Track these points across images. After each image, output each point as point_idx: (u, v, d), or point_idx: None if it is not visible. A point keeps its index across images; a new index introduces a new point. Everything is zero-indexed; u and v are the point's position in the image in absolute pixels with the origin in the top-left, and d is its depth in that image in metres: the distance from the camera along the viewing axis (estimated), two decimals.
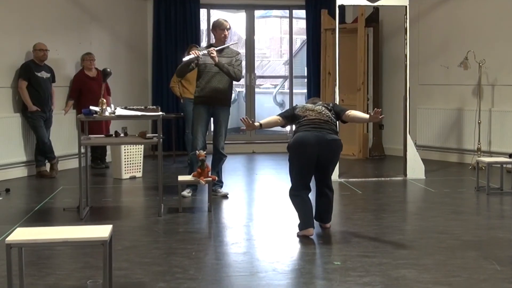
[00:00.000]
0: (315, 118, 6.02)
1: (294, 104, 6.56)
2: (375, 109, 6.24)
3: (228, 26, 7.80)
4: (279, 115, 6.38)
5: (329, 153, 5.95)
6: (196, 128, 7.76)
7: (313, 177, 6.12)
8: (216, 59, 7.53)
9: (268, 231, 6.26)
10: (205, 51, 7.63)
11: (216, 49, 7.62)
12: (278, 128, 13.83)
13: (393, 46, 11.65)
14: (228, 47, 7.87)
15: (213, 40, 8.00)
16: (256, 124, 6.26)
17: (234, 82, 8.00)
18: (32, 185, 8.92)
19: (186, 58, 7.53)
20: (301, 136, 5.94)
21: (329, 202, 6.21)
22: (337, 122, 6.25)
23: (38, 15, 9.66)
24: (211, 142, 7.99)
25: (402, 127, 9.44)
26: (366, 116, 6.38)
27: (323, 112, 6.09)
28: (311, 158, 5.89)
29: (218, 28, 7.77)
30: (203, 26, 12.63)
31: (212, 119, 7.95)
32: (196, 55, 7.48)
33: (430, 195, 8.14)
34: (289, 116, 6.29)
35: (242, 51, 12.24)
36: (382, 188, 8.63)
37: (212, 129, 8.15)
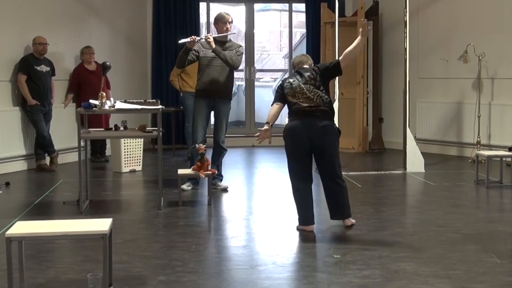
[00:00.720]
0: (306, 106, 5.84)
1: (281, 81, 6.18)
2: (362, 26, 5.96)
3: (230, 20, 7.80)
4: (276, 102, 6.08)
5: (321, 138, 5.81)
6: (196, 122, 7.76)
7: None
8: (213, 44, 7.53)
9: (268, 225, 6.27)
10: (203, 36, 7.67)
11: (214, 36, 7.65)
12: (278, 122, 13.87)
13: (392, 39, 11.65)
14: (230, 40, 7.88)
15: (215, 34, 7.96)
16: (266, 127, 5.95)
17: (235, 75, 7.99)
18: (32, 178, 8.93)
19: (182, 41, 7.54)
20: (292, 125, 5.87)
21: (337, 196, 5.99)
22: (330, 99, 5.98)
23: (37, 8, 9.64)
24: (212, 135, 7.99)
25: (402, 121, 9.44)
26: (356, 42, 5.91)
27: (313, 94, 5.86)
28: (303, 145, 5.81)
29: (220, 22, 7.78)
30: (203, 19, 12.62)
31: (212, 112, 7.94)
32: (192, 39, 7.48)
33: (429, 189, 8.14)
34: (282, 97, 6.03)
35: (242, 44, 12.23)
36: (382, 181, 8.64)
37: (212, 122, 8.12)
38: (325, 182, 6.02)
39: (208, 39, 7.55)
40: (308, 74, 5.99)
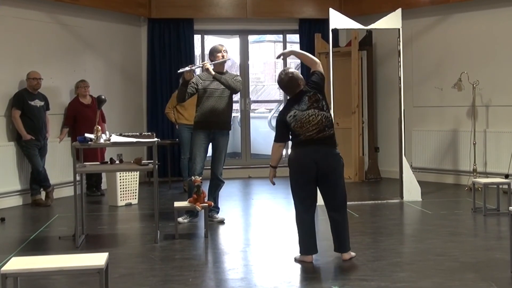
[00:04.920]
0: (314, 134, 5.75)
1: (279, 116, 5.96)
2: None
3: (224, 48, 7.83)
4: (278, 141, 5.95)
5: (327, 161, 5.76)
6: (195, 154, 7.74)
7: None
8: (212, 71, 7.57)
9: (266, 256, 6.23)
10: (200, 64, 7.68)
11: (211, 63, 7.66)
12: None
13: (387, 69, 11.70)
14: (226, 71, 7.90)
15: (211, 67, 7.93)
16: (273, 171, 6.02)
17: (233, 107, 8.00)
18: (27, 213, 8.88)
19: (181, 70, 7.56)
20: (298, 151, 5.81)
21: (337, 227, 5.91)
22: (331, 115, 5.98)
23: (32, 43, 9.68)
24: (208, 167, 7.95)
25: (398, 150, 9.45)
26: (298, 53, 6.43)
27: (319, 118, 5.78)
28: (309, 170, 5.74)
29: (215, 52, 7.79)
30: (197, 52, 12.67)
31: (211, 144, 7.92)
32: (190, 67, 7.50)
33: (426, 217, 8.12)
34: (286, 135, 5.91)
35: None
36: (379, 211, 8.61)
37: (210, 154, 8.08)
38: (329, 213, 5.94)
39: (206, 66, 7.58)
40: (307, 98, 5.85)
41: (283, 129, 5.92)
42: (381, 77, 11.95)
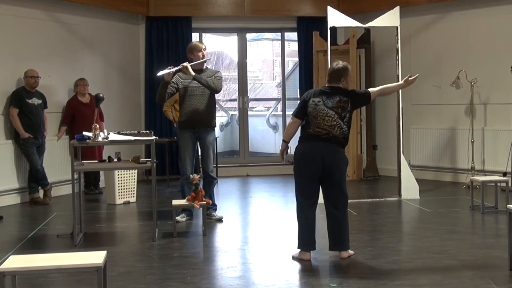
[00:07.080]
0: (324, 134, 5.76)
1: (306, 94, 6.01)
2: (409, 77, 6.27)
3: (204, 47, 7.83)
4: (295, 116, 6.00)
5: (333, 158, 5.76)
6: (183, 154, 7.75)
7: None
8: (192, 71, 7.55)
9: (264, 255, 6.23)
10: (179, 67, 7.66)
11: (190, 64, 7.64)
12: (272, 150, 13.87)
13: (385, 66, 11.70)
14: (207, 68, 7.90)
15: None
16: (284, 145, 6.12)
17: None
18: (25, 212, 8.87)
19: (160, 73, 7.53)
20: (305, 146, 5.82)
21: (337, 224, 5.91)
22: (348, 132, 5.88)
23: (30, 41, 9.67)
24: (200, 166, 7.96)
25: (396, 148, 9.45)
26: (397, 85, 6.48)
27: (335, 123, 5.75)
28: (314, 165, 5.75)
29: (195, 50, 7.79)
30: None
31: (198, 142, 7.92)
32: (169, 70, 7.49)
33: (425, 215, 8.13)
34: (303, 113, 5.90)
35: (234, 74, 12.26)
36: (377, 209, 8.61)
37: (200, 152, 8.08)
38: (327, 209, 5.94)
39: (185, 66, 7.57)
40: (338, 99, 5.84)
41: (303, 107, 5.94)
42: (379, 75, 11.94)
